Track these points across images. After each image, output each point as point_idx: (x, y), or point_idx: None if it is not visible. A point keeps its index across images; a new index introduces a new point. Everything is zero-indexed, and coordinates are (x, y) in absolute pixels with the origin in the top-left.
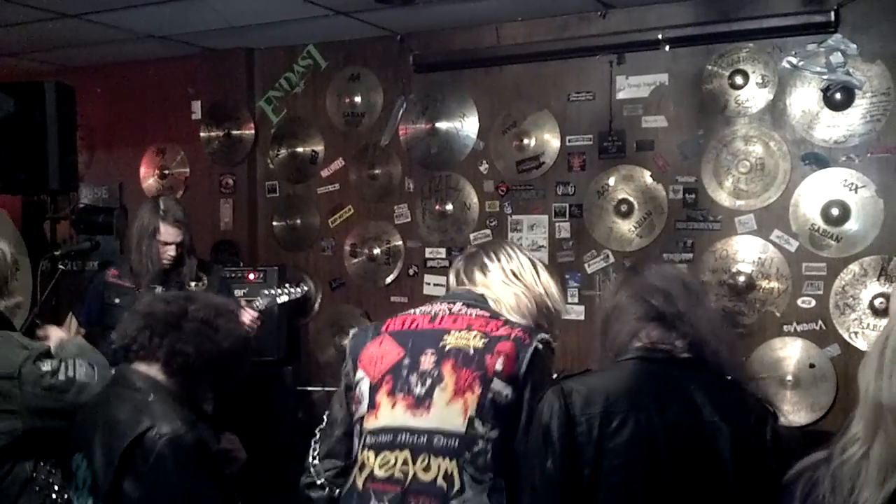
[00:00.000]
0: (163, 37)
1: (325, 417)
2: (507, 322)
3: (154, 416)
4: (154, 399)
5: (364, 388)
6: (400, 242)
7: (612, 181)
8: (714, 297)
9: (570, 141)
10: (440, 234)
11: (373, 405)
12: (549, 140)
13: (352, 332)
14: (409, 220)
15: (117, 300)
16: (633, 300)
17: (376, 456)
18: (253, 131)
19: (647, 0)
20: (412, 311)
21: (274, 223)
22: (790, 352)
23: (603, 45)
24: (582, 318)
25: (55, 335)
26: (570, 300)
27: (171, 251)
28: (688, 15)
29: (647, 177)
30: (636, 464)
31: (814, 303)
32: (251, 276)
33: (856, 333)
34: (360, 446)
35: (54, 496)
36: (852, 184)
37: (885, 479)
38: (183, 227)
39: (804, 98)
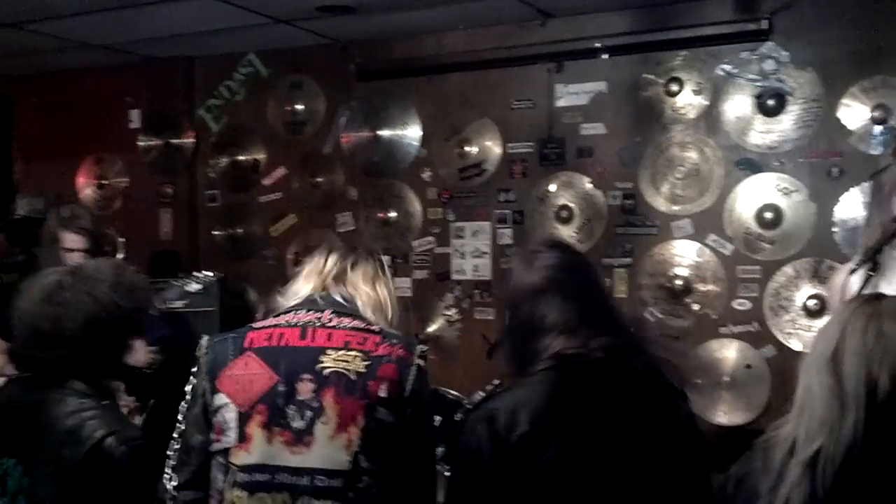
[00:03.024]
0: (101, 45)
1: (177, 438)
2: (384, 335)
3: (109, 422)
4: (107, 405)
5: (230, 416)
6: None
7: (552, 188)
8: (653, 300)
9: (511, 148)
10: (384, 242)
11: (243, 438)
12: (491, 147)
13: (204, 341)
14: (352, 227)
15: None
16: (543, 308)
17: (250, 496)
18: (193, 140)
19: (585, 9)
20: (276, 319)
21: (215, 232)
22: (727, 353)
23: (542, 54)
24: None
25: None
26: None
27: (75, 258)
28: (625, 24)
29: (586, 183)
30: (567, 478)
31: (749, 305)
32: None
33: (790, 334)
34: (227, 483)
35: None
36: (785, 188)
37: (810, 442)
38: (87, 235)
39: (738, 105)
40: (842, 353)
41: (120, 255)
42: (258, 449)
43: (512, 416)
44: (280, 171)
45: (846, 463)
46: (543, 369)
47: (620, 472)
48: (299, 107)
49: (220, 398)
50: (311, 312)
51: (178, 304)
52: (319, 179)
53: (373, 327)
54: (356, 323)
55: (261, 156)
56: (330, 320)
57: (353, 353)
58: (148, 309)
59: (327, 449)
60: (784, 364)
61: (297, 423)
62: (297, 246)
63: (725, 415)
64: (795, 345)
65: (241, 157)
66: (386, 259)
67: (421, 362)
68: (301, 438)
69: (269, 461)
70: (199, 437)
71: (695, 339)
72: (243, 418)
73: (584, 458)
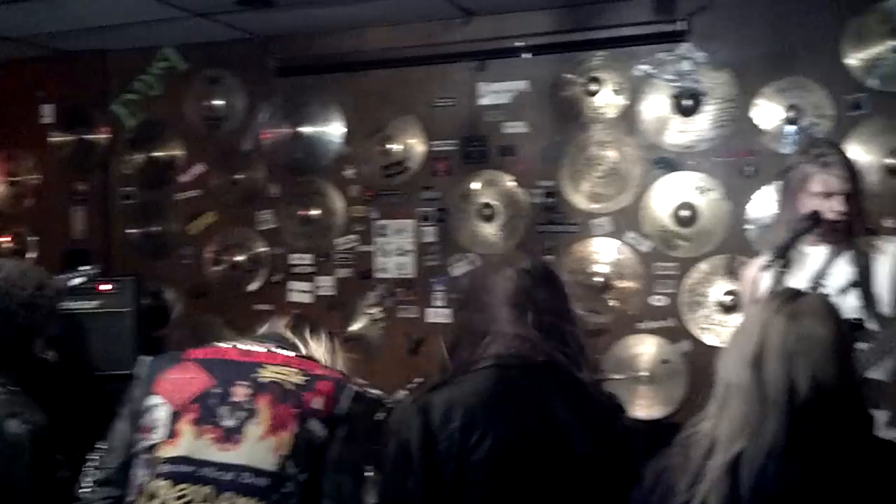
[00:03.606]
0: (9, 38)
1: (103, 441)
2: (325, 366)
3: (13, 405)
4: (15, 390)
5: (161, 414)
6: (264, 249)
7: (476, 186)
8: (573, 297)
9: (434, 146)
10: (306, 240)
11: (172, 434)
12: (415, 145)
13: (145, 359)
14: (273, 225)
15: None
16: (488, 307)
17: (173, 486)
18: (107, 136)
19: (507, 8)
20: (218, 344)
21: (130, 231)
22: (644, 349)
23: (465, 52)
24: (449, 321)
25: None
26: (436, 304)
27: None
28: (546, 23)
29: (509, 182)
30: (497, 476)
31: (666, 301)
32: (104, 287)
33: (705, 329)
34: (150, 475)
35: None
36: (700, 187)
37: (732, 443)
38: None
39: (655, 105)
40: (763, 355)
41: (32, 254)
42: (185, 443)
43: (447, 411)
44: (198, 168)
45: (766, 465)
46: (484, 367)
47: (547, 478)
48: (217, 102)
49: (153, 399)
50: (254, 343)
51: (92, 304)
52: (239, 176)
53: (315, 360)
54: (298, 354)
55: (178, 152)
56: (274, 350)
57: (293, 369)
58: (57, 305)
59: (256, 448)
60: (700, 358)
61: (228, 422)
62: (216, 244)
63: (644, 409)
64: (710, 339)
65: (157, 154)
66: (308, 257)
67: (358, 389)
68: (230, 437)
69: (194, 455)
70: (122, 438)
71: (613, 335)
72: (175, 416)
73: (514, 460)
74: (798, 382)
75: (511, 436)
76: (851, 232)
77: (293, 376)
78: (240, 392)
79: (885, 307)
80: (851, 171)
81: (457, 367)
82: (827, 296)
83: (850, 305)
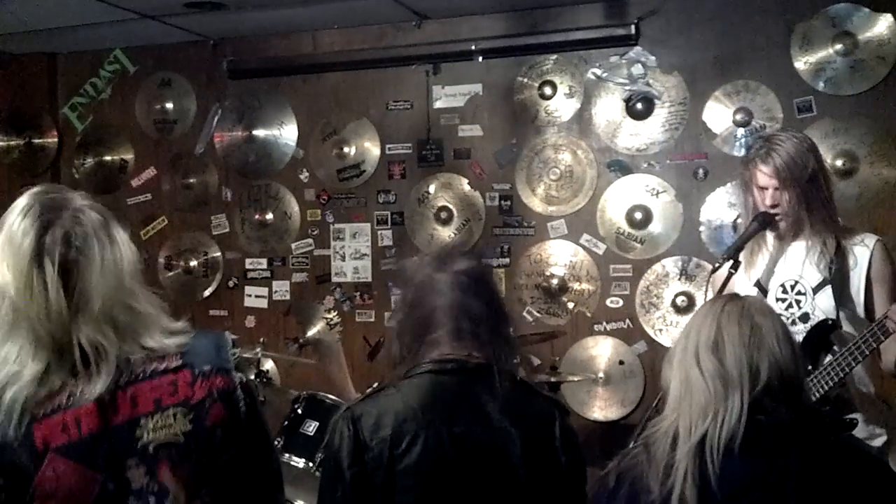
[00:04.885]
0: None
1: None
2: (191, 366)
3: None
4: None
5: None
6: (218, 254)
7: (431, 189)
8: (531, 299)
9: (389, 149)
10: (260, 244)
11: None
12: (370, 148)
13: None
14: (227, 230)
15: None
16: (424, 313)
17: None
18: (56, 139)
19: (460, 11)
20: (58, 398)
21: None
22: (601, 350)
23: (419, 55)
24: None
25: None
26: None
27: None
28: (499, 27)
29: (465, 184)
30: (427, 483)
31: (621, 302)
32: None
33: (660, 330)
34: None
35: None
36: (654, 189)
37: (696, 429)
38: None
39: (608, 108)
40: (722, 342)
41: None
42: None
43: (378, 419)
44: (149, 172)
45: (730, 447)
46: (419, 374)
47: (482, 482)
48: (169, 105)
49: None
50: (88, 372)
51: None
52: (191, 180)
53: (172, 359)
54: (153, 365)
55: (129, 156)
56: (125, 381)
57: (169, 412)
58: None
59: None
60: (655, 359)
61: None
62: (169, 249)
63: (601, 410)
64: (665, 340)
65: (107, 158)
66: (263, 262)
67: (241, 376)
68: None
69: None
70: None
71: (570, 336)
72: None
73: (445, 465)
74: (759, 366)
75: (441, 440)
76: (811, 227)
77: (177, 423)
78: (136, 476)
79: (859, 310)
80: (789, 165)
81: (393, 376)
82: (803, 297)
83: (822, 305)
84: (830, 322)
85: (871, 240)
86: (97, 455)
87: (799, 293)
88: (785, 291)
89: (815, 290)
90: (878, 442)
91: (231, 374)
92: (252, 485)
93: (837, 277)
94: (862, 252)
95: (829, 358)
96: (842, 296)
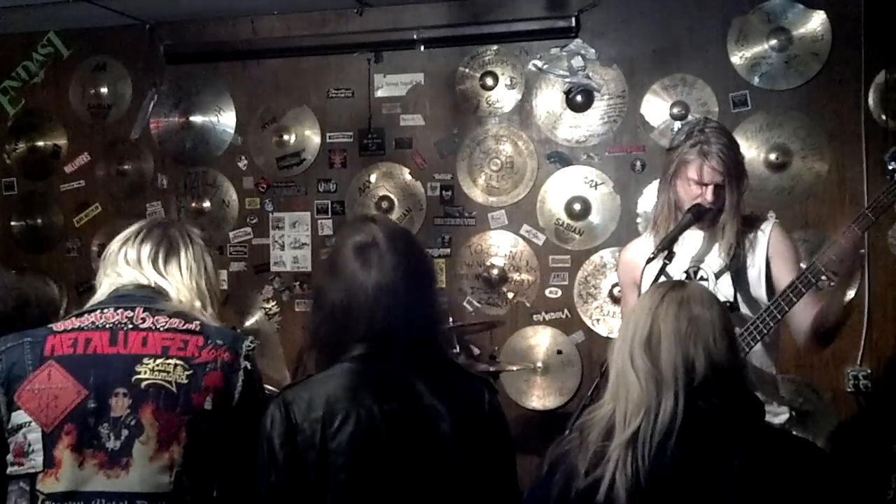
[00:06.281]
0: None
1: None
2: (206, 336)
3: None
4: None
5: (33, 437)
6: None
7: (373, 178)
8: (471, 289)
9: (330, 138)
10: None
11: (51, 463)
12: (310, 136)
13: None
14: (163, 218)
15: None
16: (348, 296)
17: None
18: None
19: (402, 0)
20: (80, 320)
21: (12, 223)
22: (540, 340)
23: (360, 43)
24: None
25: None
26: None
27: None
28: (441, 16)
29: (406, 174)
30: (359, 460)
31: (560, 293)
32: None
33: (598, 320)
34: None
35: None
36: (592, 181)
37: (629, 424)
38: None
39: (548, 99)
40: (656, 338)
41: None
42: (68, 474)
43: (309, 402)
44: (83, 158)
45: (664, 442)
46: (348, 357)
47: (413, 459)
48: (103, 90)
49: (20, 416)
50: (119, 311)
51: None
52: (126, 167)
53: (193, 326)
54: (174, 322)
55: (62, 141)
56: (143, 321)
57: (172, 361)
58: None
59: (147, 471)
60: (592, 349)
61: (112, 444)
62: (103, 237)
63: (539, 399)
64: (602, 330)
65: (39, 143)
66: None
67: (248, 364)
68: (117, 460)
69: (80, 487)
70: None
71: (510, 326)
72: (49, 440)
73: (376, 443)
74: (695, 363)
75: (373, 419)
76: (726, 218)
77: (176, 372)
78: (119, 405)
79: (759, 292)
80: (729, 161)
81: (321, 361)
82: (706, 282)
83: (723, 290)
84: (728, 304)
85: (768, 224)
86: (90, 374)
87: (702, 279)
88: (689, 278)
89: (718, 275)
90: (780, 419)
91: (239, 356)
92: (231, 468)
93: (737, 263)
94: (761, 237)
95: None
96: (742, 280)
